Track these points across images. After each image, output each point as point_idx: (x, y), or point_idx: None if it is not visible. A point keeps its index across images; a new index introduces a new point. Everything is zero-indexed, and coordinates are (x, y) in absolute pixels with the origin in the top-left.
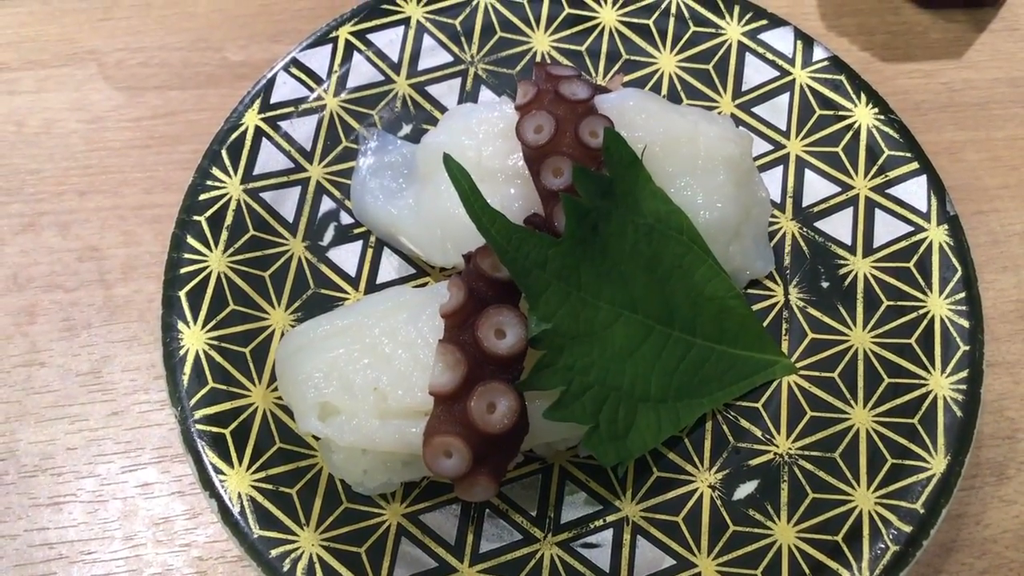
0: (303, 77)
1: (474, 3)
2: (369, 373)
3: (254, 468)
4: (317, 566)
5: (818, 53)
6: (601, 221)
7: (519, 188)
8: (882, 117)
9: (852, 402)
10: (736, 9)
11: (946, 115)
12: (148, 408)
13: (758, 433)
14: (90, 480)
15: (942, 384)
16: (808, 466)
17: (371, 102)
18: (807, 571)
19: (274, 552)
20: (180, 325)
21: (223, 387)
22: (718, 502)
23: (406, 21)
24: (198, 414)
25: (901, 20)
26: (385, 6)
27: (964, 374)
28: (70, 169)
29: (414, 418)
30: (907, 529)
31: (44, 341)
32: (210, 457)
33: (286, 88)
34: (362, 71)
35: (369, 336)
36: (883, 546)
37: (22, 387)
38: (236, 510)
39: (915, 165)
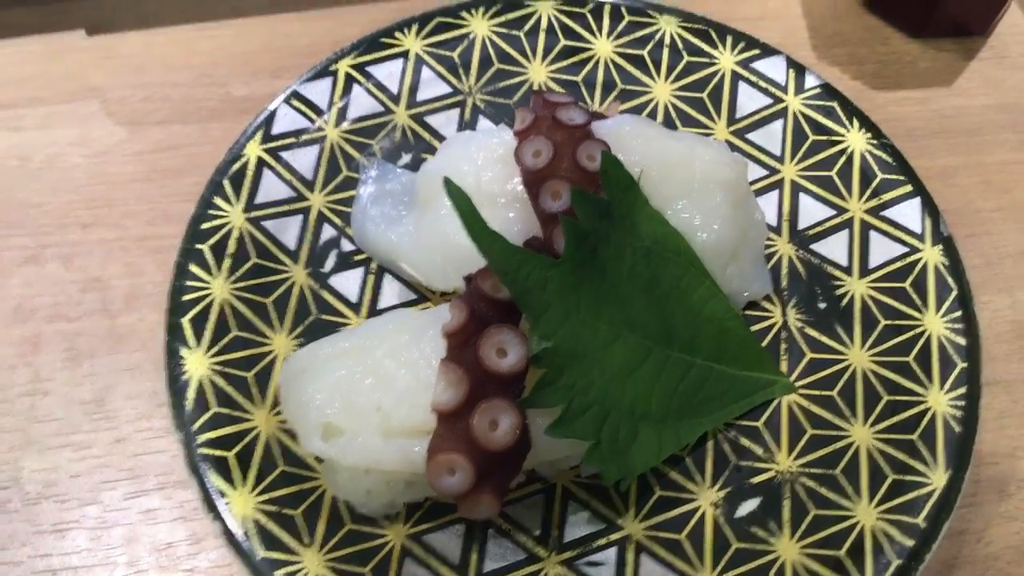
0: (304, 109)
1: (471, 36)
2: (372, 394)
3: (258, 491)
4: None
5: (810, 81)
6: (600, 243)
7: (518, 212)
8: (875, 142)
9: (852, 420)
10: (729, 39)
11: (938, 141)
12: (151, 436)
13: (759, 451)
14: (93, 507)
15: (941, 401)
16: (810, 483)
17: (371, 132)
18: None
19: (278, 573)
20: (183, 351)
21: (226, 411)
22: (720, 520)
23: (405, 54)
24: (201, 438)
25: (891, 50)
26: (384, 39)
27: (963, 390)
28: (73, 202)
29: (417, 437)
30: (910, 543)
31: (48, 370)
32: (214, 481)
33: (287, 120)
34: (362, 102)
35: (371, 358)
36: (886, 560)
37: (26, 416)
38: (240, 532)
39: (908, 188)
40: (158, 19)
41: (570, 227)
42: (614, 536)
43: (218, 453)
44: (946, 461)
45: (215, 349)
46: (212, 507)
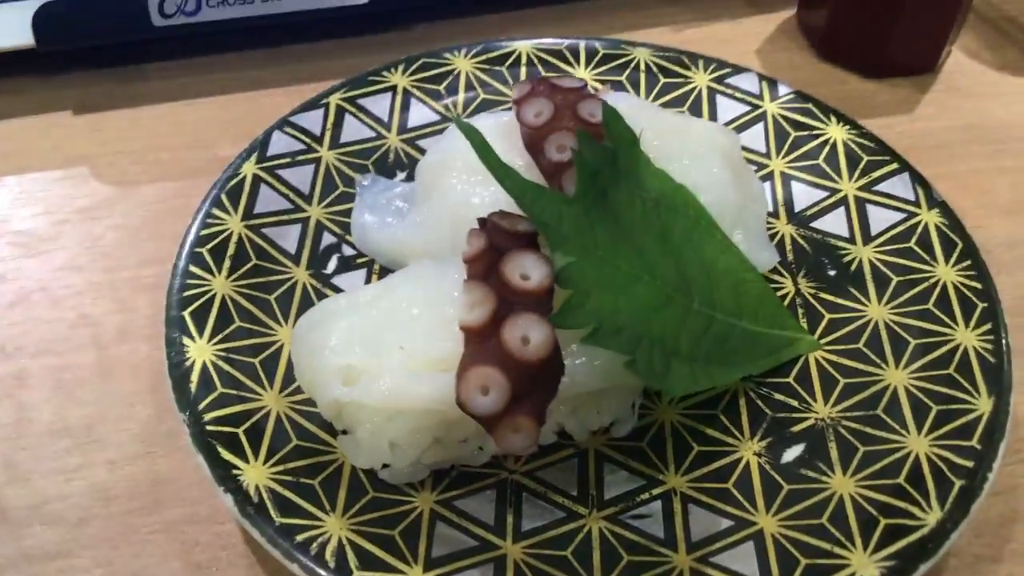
0: (297, 135)
1: (456, 71)
2: (394, 332)
3: (271, 462)
4: (348, 548)
5: (783, 89)
6: (609, 187)
7: None
8: (855, 132)
9: (883, 366)
10: (700, 62)
11: (909, 156)
12: (146, 455)
13: (795, 403)
14: (85, 528)
15: (969, 337)
16: (853, 425)
17: (365, 155)
18: (874, 513)
19: (300, 537)
20: (185, 340)
21: (233, 392)
22: (767, 467)
23: (393, 88)
24: (208, 416)
25: (849, 88)
26: (372, 78)
27: (988, 326)
28: (62, 250)
29: (444, 369)
30: (968, 464)
31: (34, 401)
32: (224, 454)
33: (281, 144)
34: (354, 128)
35: (389, 302)
36: (949, 482)
37: (12, 445)
38: (255, 500)
39: (895, 165)
40: (145, 99)
41: (582, 162)
42: (657, 490)
43: (227, 430)
44: (987, 388)
45: (218, 338)
46: (224, 480)
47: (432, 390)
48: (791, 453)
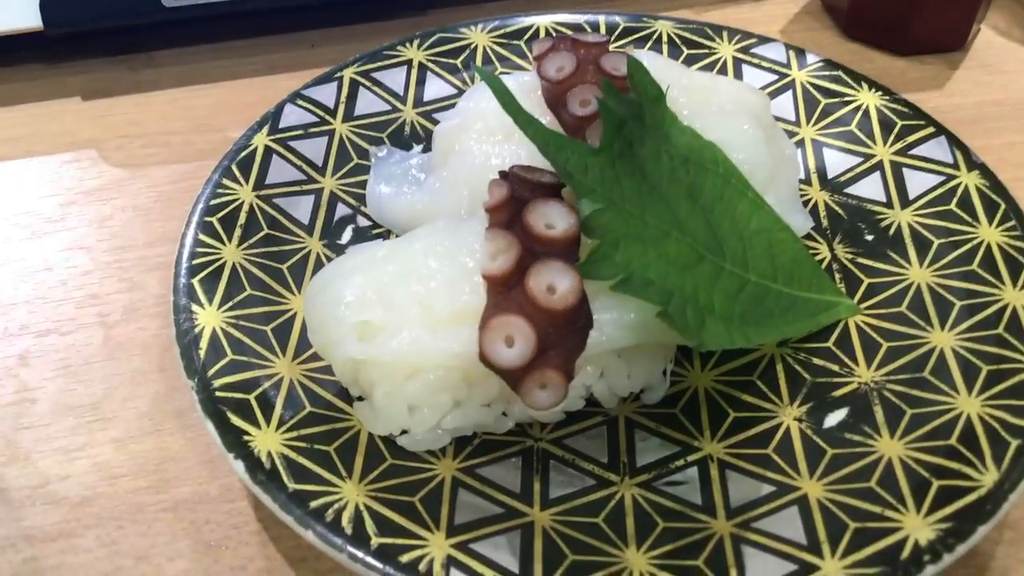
0: (310, 107)
1: (473, 45)
2: (412, 286)
3: (284, 428)
4: (365, 514)
5: (811, 57)
6: (635, 141)
7: None
8: (887, 97)
9: (928, 328)
10: (724, 33)
11: None
12: (154, 432)
13: (835, 368)
14: (87, 507)
15: (1018, 296)
16: (899, 388)
17: (380, 128)
18: (927, 475)
19: (314, 504)
20: (194, 307)
21: (244, 358)
22: (808, 432)
23: (408, 62)
24: (218, 383)
25: (878, 66)
26: (387, 52)
27: None
28: (70, 231)
29: (466, 323)
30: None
31: (37, 380)
32: (234, 420)
33: (293, 116)
34: (369, 100)
35: (406, 256)
36: (1004, 442)
37: (11, 424)
38: (267, 467)
39: (931, 129)
40: (153, 85)
41: (607, 112)
42: (692, 456)
43: (238, 396)
44: None
45: (228, 305)
46: (234, 446)
47: (453, 344)
48: (834, 418)
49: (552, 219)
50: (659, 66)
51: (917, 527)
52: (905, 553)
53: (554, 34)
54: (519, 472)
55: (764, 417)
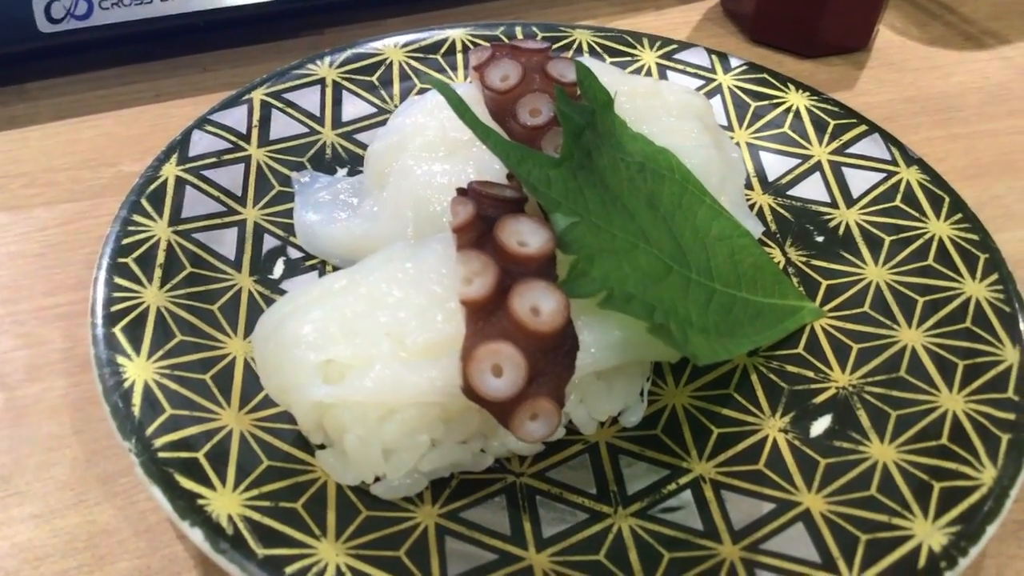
0: (221, 133)
1: (387, 61)
2: (378, 319)
3: (242, 487)
4: (349, 575)
5: (734, 61)
6: (593, 150)
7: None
8: (816, 98)
9: (895, 326)
10: (645, 40)
11: None
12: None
13: (811, 374)
14: None
15: (977, 288)
16: (878, 390)
17: (299, 152)
18: (926, 478)
19: (290, 569)
20: (120, 359)
21: (185, 412)
22: (796, 442)
23: (321, 81)
24: (159, 442)
25: (785, 69)
26: (296, 71)
27: (995, 276)
28: None
29: (443, 354)
30: (1010, 416)
31: None
32: (184, 483)
33: (203, 143)
34: (284, 123)
35: (366, 286)
36: (995, 437)
37: None
38: (230, 532)
39: (864, 127)
40: (30, 119)
41: (568, 120)
42: (683, 479)
43: (183, 455)
44: (1010, 337)
45: (159, 354)
46: (188, 512)
47: (432, 378)
48: (819, 426)
49: (524, 236)
50: (602, 70)
51: (928, 532)
52: (922, 562)
53: (471, 47)
54: (506, 512)
55: (748, 431)
